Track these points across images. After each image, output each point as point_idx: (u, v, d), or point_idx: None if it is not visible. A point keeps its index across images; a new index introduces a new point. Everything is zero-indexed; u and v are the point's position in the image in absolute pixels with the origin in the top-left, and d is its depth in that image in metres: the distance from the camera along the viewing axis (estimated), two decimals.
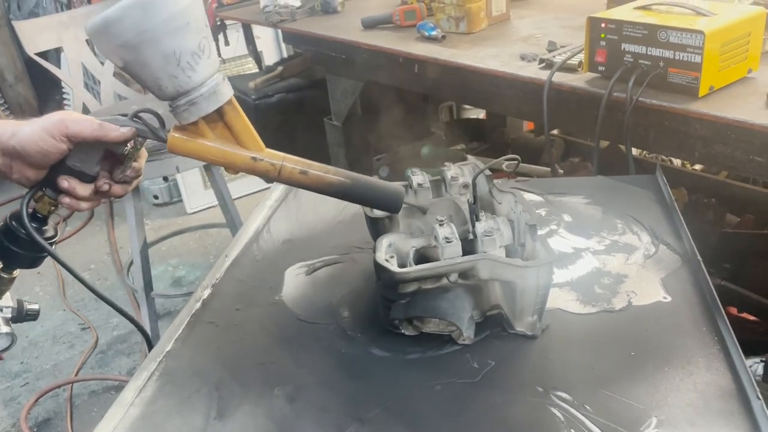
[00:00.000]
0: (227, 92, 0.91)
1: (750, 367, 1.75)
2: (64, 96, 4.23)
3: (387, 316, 1.01)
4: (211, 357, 1.02)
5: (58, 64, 3.66)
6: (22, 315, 1.04)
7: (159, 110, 0.95)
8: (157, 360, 1.01)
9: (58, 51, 3.39)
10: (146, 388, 0.95)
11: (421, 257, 1.02)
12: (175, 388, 0.95)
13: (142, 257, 2.45)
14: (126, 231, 2.50)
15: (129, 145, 0.94)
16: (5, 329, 1.00)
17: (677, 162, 2.56)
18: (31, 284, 3.34)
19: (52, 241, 0.96)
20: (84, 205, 0.94)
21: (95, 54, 2.73)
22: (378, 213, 1.13)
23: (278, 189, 1.51)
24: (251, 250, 1.31)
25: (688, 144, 1.45)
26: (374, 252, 1.00)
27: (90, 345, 2.91)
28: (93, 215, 4.13)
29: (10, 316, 1.01)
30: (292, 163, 0.96)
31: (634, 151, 1.76)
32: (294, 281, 1.19)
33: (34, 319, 1.06)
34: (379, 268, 0.96)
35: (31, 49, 2.53)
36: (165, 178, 3.96)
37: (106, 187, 0.94)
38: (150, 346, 1.16)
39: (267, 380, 0.95)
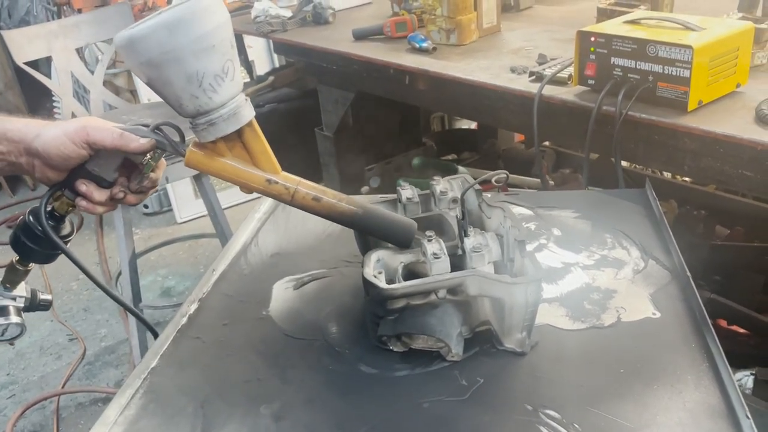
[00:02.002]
0: (248, 114, 0.92)
1: (740, 380, 1.77)
2: (55, 104, 4.21)
3: (375, 332, 1.00)
4: (197, 374, 1.00)
5: (49, 72, 3.65)
6: (35, 304, 1.05)
7: (180, 124, 0.96)
8: (142, 377, 0.99)
9: (48, 59, 3.37)
10: (130, 406, 0.94)
11: (410, 273, 1.01)
12: (160, 406, 0.94)
13: (131, 268, 2.42)
14: (116, 240, 2.48)
15: (148, 156, 0.95)
16: (16, 319, 1.01)
17: (667, 174, 2.56)
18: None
19: (68, 239, 0.98)
20: (99, 209, 0.96)
21: (85, 63, 2.72)
22: None
23: (267, 201, 1.50)
24: (239, 263, 1.29)
25: (678, 158, 1.45)
26: (362, 267, 0.99)
27: (77, 356, 2.88)
28: (82, 224, 4.09)
29: (23, 305, 1.03)
30: (306, 188, 0.97)
31: (625, 163, 1.76)
32: (282, 296, 1.18)
33: (47, 309, 1.08)
34: (368, 284, 0.95)
35: (20, 59, 2.51)
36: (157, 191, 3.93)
37: (121, 195, 0.96)
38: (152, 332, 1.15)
39: (253, 398, 0.94)
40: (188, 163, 0.94)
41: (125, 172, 0.97)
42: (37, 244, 0.96)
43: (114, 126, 0.92)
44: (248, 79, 3.39)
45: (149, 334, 2.65)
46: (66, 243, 0.97)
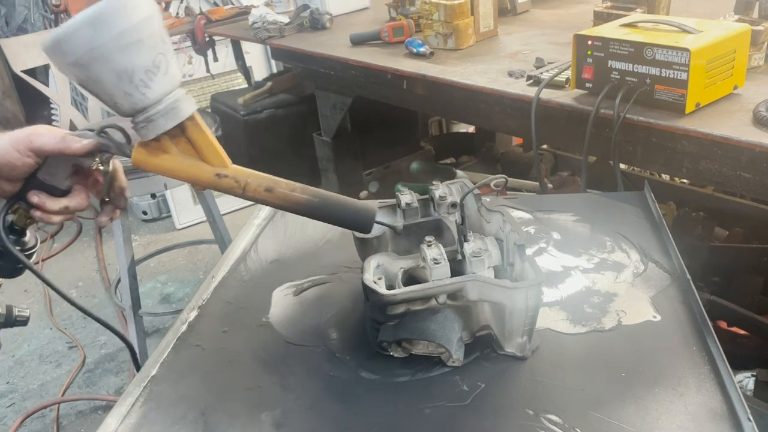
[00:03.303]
0: (188, 108, 0.89)
1: (741, 382, 1.76)
2: (53, 112, 4.21)
3: (375, 338, 1.00)
4: (198, 382, 1.00)
5: (46, 80, 3.65)
6: (10, 321, 1.04)
7: (126, 125, 0.93)
8: (142, 385, 0.99)
9: (46, 67, 3.37)
10: (130, 415, 0.93)
11: (410, 278, 1.01)
12: (160, 414, 0.93)
13: (130, 275, 2.42)
14: (115, 247, 2.48)
15: (98, 161, 0.94)
16: None
17: (666, 176, 2.57)
18: (18, 302, 3.30)
19: (32, 251, 0.96)
20: (55, 219, 0.94)
21: None
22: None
23: (266, 208, 1.50)
24: (238, 270, 1.29)
25: (676, 160, 1.45)
26: (362, 273, 0.99)
27: (77, 364, 2.88)
28: (81, 231, 4.09)
29: None
30: (257, 180, 0.94)
31: (623, 166, 1.76)
32: (282, 302, 1.18)
33: (24, 325, 1.07)
34: (368, 290, 0.95)
35: (18, 67, 2.51)
36: (153, 195, 3.93)
37: (82, 204, 0.95)
38: (136, 362, 1.15)
39: (254, 405, 0.93)
40: (135, 163, 0.91)
41: (81, 181, 0.96)
42: None
43: (59, 131, 0.91)
44: (246, 85, 3.40)
45: (149, 341, 2.64)
46: (30, 255, 0.95)
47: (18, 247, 0.93)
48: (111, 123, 0.92)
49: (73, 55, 0.80)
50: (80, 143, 0.89)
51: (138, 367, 1.07)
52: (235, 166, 0.95)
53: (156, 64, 0.84)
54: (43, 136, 0.89)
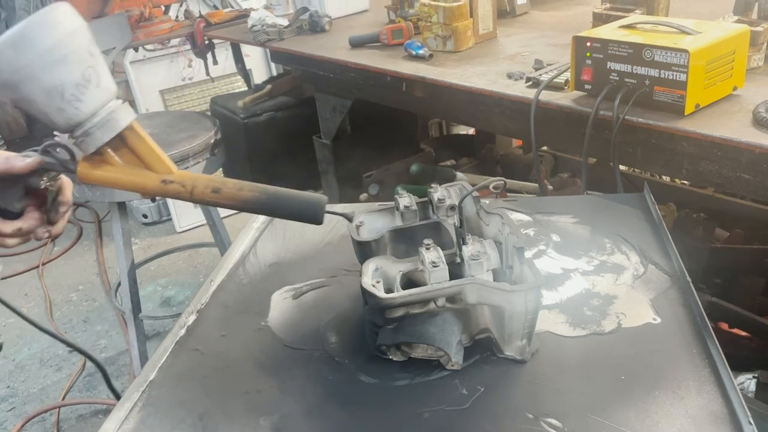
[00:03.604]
0: (125, 118, 0.89)
1: (742, 383, 1.75)
2: None
3: (374, 341, 0.99)
4: (196, 386, 1.00)
5: None
6: None
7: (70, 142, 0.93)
8: (141, 389, 0.99)
9: None
10: (128, 420, 0.93)
11: (409, 281, 1.01)
12: (159, 419, 0.93)
13: (130, 279, 2.42)
14: (115, 250, 2.48)
15: (45, 180, 0.93)
16: None
17: (666, 177, 2.56)
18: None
19: None
20: (9, 242, 0.93)
21: None
22: (364, 236, 1.12)
23: None
24: (237, 274, 1.29)
25: (676, 161, 1.45)
26: (361, 276, 0.98)
27: (78, 368, 2.88)
28: (82, 235, 4.09)
29: None
30: (204, 182, 0.95)
31: (623, 167, 1.76)
32: (280, 306, 1.18)
33: None
34: (366, 294, 0.95)
35: None
36: (153, 198, 3.93)
37: (35, 225, 0.95)
38: (104, 375, 1.13)
39: (252, 410, 0.93)
40: (81, 178, 0.92)
41: (34, 202, 0.95)
42: None
43: (3, 153, 0.90)
44: (245, 88, 3.40)
45: (150, 345, 2.64)
46: None
47: None
48: (55, 141, 0.92)
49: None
50: (24, 162, 0.89)
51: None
52: (180, 170, 0.96)
53: (86, 78, 0.84)
54: None
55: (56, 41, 0.81)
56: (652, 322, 1.03)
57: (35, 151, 0.91)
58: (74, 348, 1.06)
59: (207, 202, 0.96)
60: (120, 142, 0.91)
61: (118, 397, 1.31)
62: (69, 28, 0.83)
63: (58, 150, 0.91)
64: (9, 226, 0.92)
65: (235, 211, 3.75)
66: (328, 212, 0.97)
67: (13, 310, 1.03)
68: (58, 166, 0.92)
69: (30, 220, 0.94)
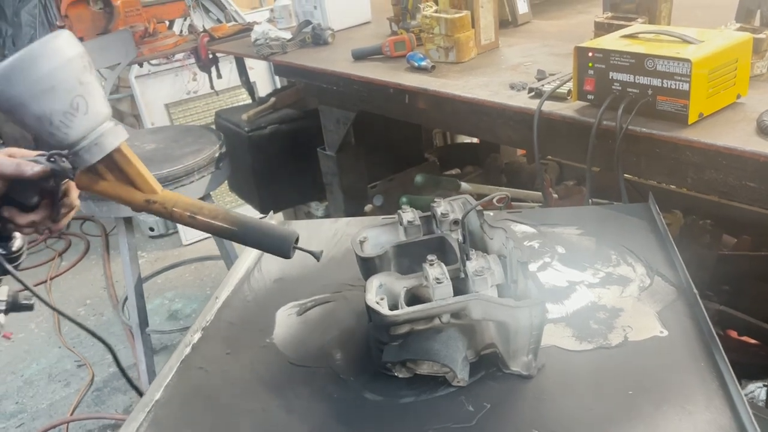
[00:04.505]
0: (112, 143, 0.96)
1: (752, 392, 1.74)
2: None
3: (379, 358, 0.99)
4: (201, 405, 1.00)
5: None
6: (17, 305, 1.12)
7: None
8: (146, 410, 0.99)
9: None
10: None
11: (413, 297, 1.00)
12: None
13: (137, 293, 2.43)
14: (122, 264, 2.49)
15: (52, 182, 1.03)
16: None
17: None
18: (26, 321, 3.32)
19: (17, 254, 1.07)
20: (25, 230, 1.05)
21: None
22: (368, 252, 1.12)
23: None
24: (242, 290, 1.29)
25: (680, 170, 1.44)
26: (365, 293, 0.98)
27: (86, 383, 2.88)
28: (89, 249, 4.11)
29: (3, 308, 1.10)
30: (183, 206, 1.02)
31: (627, 176, 1.75)
32: (285, 322, 1.18)
33: (30, 310, 1.14)
34: (370, 311, 0.95)
35: None
36: None
37: (44, 218, 1.06)
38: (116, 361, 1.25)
39: (258, 429, 0.93)
40: (78, 186, 1.02)
41: (48, 198, 1.05)
42: None
43: (20, 158, 1.01)
44: (250, 101, 3.41)
45: (157, 358, 2.64)
46: (17, 257, 1.07)
47: (4, 252, 1.05)
48: (58, 151, 1.00)
49: None
50: (32, 169, 0.99)
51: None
52: (165, 191, 1.03)
53: (74, 107, 0.91)
54: (2, 163, 0.99)
55: (44, 74, 0.87)
56: (659, 335, 1.02)
57: (44, 155, 1.01)
58: (93, 334, 1.25)
59: (184, 223, 1.03)
60: (109, 161, 0.98)
61: (132, 385, 1.39)
62: (58, 61, 0.89)
63: (63, 159, 1.00)
64: (24, 218, 1.04)
65: None
66: (297, 248, 1.01)
67: (72, 319, 1.19)
68: (62, 173, 1.01)
69: (41, 213, 1.05)
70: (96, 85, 0.94)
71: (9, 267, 1.04)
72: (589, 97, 1.54)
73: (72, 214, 1.09)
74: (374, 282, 1.00)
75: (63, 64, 0.89)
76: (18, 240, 1.07)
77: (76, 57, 0.91)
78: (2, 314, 1.09)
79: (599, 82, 1.50)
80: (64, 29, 0.93)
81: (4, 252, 1.05)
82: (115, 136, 0.96)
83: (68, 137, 0.92)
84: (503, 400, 0.93)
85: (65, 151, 0.98)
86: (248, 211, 3.73)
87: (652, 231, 1.31)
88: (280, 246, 1.01)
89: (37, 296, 1.10)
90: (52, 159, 1.00)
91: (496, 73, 1.93)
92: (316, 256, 1.04)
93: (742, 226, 2.20)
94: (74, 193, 1.08)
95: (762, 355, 1.86)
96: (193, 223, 1.02)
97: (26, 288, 1.08)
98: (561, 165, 2.90)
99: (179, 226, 3.94)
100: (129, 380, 1.31)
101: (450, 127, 2.86)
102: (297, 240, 1.01)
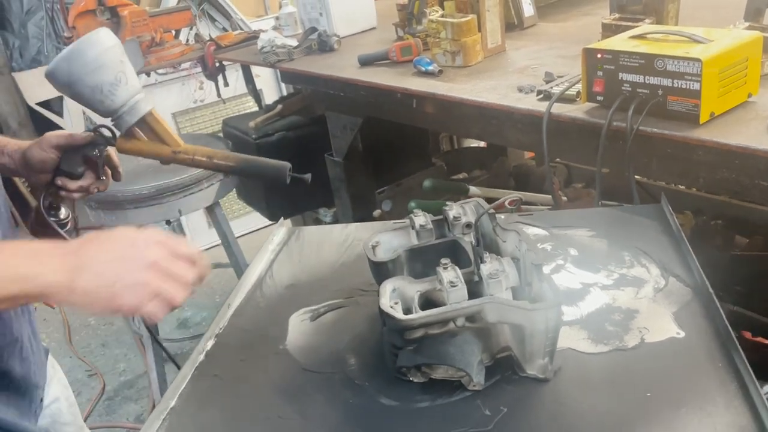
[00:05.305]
0: (145, 107, 1.27)
1: None
2: None
3: (394, 363, 0.99)
4: (216, 413, 0.99)
5: (60, 109, 3.69)
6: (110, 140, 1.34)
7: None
8: (161, 417, 0.98)
9: (60, 97, 3.41)
10: None
11: (427, 301, 1.00)
12: None
13: None
14: None
15: (96, 152, 1.30)
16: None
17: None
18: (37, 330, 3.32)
19: (64, 221, 1.33)
20: (75, 195, 1.32)
21: None
22: (380, 256, 1.11)
23: (280, 232, 1.50)
24: (254, 297, 1.29)
25: (692, 171, 1.44)
26: (379, 297, 0.98)
27: (97, 392, 2.89)
28: None
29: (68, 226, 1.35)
30: (201, 152, 1.35)
31: (638, 177, 1.74)
32: (298, 328, 1.17)
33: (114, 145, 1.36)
34: (384, 315, 0.94)
35: (32, 100, 2.55)
36: (168, 221, 3.96)
37: (91, 183, 1.33)
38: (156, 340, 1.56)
39: None
40: (119, 149, 1.31)
41: (92, 167, 1.32)
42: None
43: (66, 132, 1.30)
44: (257, 108, 3.42)
45: (168, 367, 2.65)
46: (65, 224, 1.32)
47: (54, 219, 1.30)
48: (101, 124, 1.30)
49: (59, 81, 1.20)
50: (82, 137, 1.29)
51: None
52: (186, 144, 1.34)
53: (117, 80, 1.21)
54: (57, 134, 1.28)
55: (96, 55, 1.18)
56: (676, 336, 1.01)
57: (89, 130, 1.31)
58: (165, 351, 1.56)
59: (204, 166, 1.36)
60: (143, 123, 1.28)
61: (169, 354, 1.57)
62: (104, 45, 1.19)
63: (103, 130, 1.30)
64: (74, 184, 1.30)
65: (248, 231, 3.77)
66: (290, 175, 1.33)
67: (153, 337, 1.50)
68: (104, 141, 1.30)
69: (88, 179, 1.32)
70: (130, 66, 1.24)
71: (60, 231, 1.28)
72: (599, 98, 1.53)
73: (119, 169, 1.36)
74: (388, 286, 1.00)
75: (107, 49, 1.19)
76: (63, 210, 1.33)
77: (116, 44, 1.22)
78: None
79: (608, 83, 1.49)
80: (103, 27, 1.23)
81: (55, 219, 1.31)
82: (146, 102, 1.27)
83: (114, 103, 1.22)
84: (520, 403, 0.92)
85: (109, 119, 1.26)
86: (256, 219, 3.74)
87: (664, 232, 1.30)
88: (278, 173, 1.33)
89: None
90: (96, 130, 1.29)
91: (504, 76, 1.93)
92: (306, 179, 1.34)
93: (754, 226, 2.19)
94: (114, 156, 1.34)
95: None
96: (210, 165, 1.35)
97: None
98: (569, 167, 2.89)
99: (187, 233, 3.95)
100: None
101: (458, 131, 2.86)
102: (291, 169, 1.33)
